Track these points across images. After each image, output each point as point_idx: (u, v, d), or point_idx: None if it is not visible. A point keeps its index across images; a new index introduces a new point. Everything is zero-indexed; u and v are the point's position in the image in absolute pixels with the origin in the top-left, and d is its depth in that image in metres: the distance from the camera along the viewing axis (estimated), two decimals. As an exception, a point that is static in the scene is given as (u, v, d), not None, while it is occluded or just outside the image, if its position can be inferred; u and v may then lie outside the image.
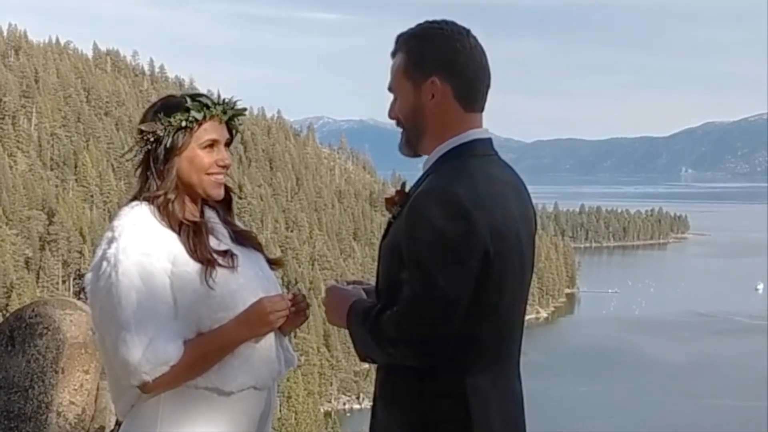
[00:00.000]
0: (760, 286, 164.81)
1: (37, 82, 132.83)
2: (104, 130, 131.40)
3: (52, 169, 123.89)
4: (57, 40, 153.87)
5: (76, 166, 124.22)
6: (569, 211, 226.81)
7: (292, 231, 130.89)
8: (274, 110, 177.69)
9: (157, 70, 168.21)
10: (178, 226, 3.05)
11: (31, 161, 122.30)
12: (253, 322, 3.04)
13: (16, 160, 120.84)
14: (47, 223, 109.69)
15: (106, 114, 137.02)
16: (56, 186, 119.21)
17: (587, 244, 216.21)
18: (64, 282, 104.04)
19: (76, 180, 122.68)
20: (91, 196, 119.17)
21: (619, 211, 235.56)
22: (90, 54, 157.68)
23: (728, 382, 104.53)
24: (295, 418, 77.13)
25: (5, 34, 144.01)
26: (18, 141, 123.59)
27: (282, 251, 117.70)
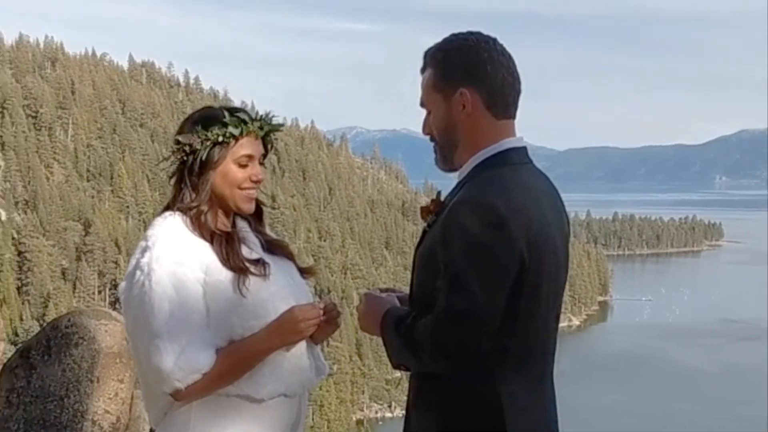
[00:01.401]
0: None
1: (73, 93, 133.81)
2: (139, 142, 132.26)
3: (88, 180, 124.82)
4: (93, 51, 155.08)
5: (111, 177, 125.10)
6: (602, 218, 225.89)
7: (324, 240, 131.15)
8: (308, 120, 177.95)
9: (192, 81, 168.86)
10: (210, 236, 3.07)
11: (67, 172, 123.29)
12: (284, 331, 3.05)
13: (52, 172, 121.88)
14: (83, 233, 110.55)
15: (141, 125, 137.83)
16: (92, 197, 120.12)
17: (620, 252, 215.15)
18: (99, 292, 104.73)
19: (111, 191, 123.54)
20: (127, 206, 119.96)
21: (653, 218, 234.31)
22: (125, 65, 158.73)
23: (761, 390, 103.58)
24: (328, 426, 77.26)
25: (42, 46, 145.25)
26: (54, 152, 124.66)
27: (314, 260, 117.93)
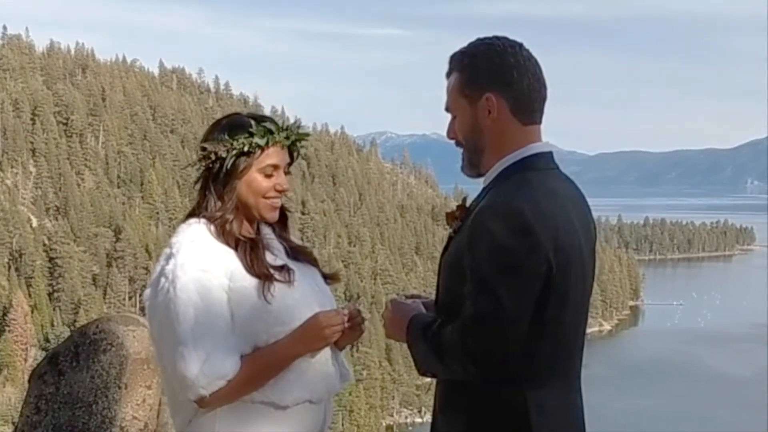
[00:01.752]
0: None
1: (104, 100, 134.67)
2: (170, 148, 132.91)
3: (118, 187, 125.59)
4: (123, 58, 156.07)
5: (142, 184, 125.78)
6: (633, 223, 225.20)
7: (354, 246, 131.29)
8: (338, 126, 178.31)
9: (222, 87, 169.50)
10: (235, 242, 3.07)
11: (98, 179, 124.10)
12: (309, 337, 3.05)
13: (83, 178, 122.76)
14: (114, 240, 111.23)
15: (171, 131, 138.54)
16: (123, 203, 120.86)
17: (651, 257, 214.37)
18: (130, 298, 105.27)
19: (142, 197, 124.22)
20: (157, 213, 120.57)
21: (684, 223, 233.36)
22: (156, 72, 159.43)
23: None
24: (358, 432, 77.18)
25: (73, 52, 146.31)
26: (85, 159, 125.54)
27: (344, 266, 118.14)
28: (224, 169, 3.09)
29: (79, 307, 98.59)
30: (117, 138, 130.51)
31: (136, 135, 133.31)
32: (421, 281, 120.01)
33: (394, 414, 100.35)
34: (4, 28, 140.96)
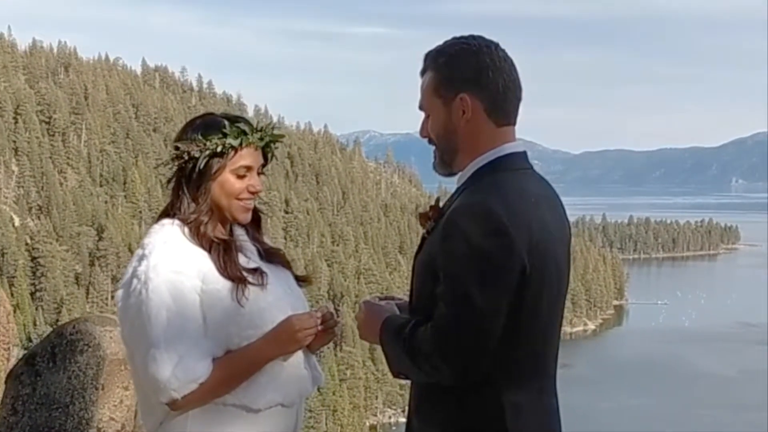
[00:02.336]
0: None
1: (86, 98, 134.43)
2: (153, 146, 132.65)
3: (101, 186, 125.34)
4: (106, 56, 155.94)
5: (125, 182, 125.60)
6: (618, 222, 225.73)
7: (338, 245, 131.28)
8: (321, 125, 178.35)
9: (205, 86, 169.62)
10: (208, 244, 3.05)
11: (80, 177, 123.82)
12: (281, 340, 3.03)
13: (66, 177, 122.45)
14: (97, 239, 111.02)
15: (154, 130, 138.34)
16: (105, 202, 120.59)
17: (636, 256, 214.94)
18: (113, 297, 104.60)
19: (125, 196, 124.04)
20: (140, 212, 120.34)
21: (669, 222, 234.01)
22: (139, 70, 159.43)
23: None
24: (342, 432, 77.18)
25: (55, 51, 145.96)
26: (68, 157, 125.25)
27: (328, 265, 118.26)
28: (197, 170, 3.07)
29: (62, 306, 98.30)
30: (100, 137, 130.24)
31: (118, 134, 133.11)
32: (404, 281, 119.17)
33: (378, 414, 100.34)
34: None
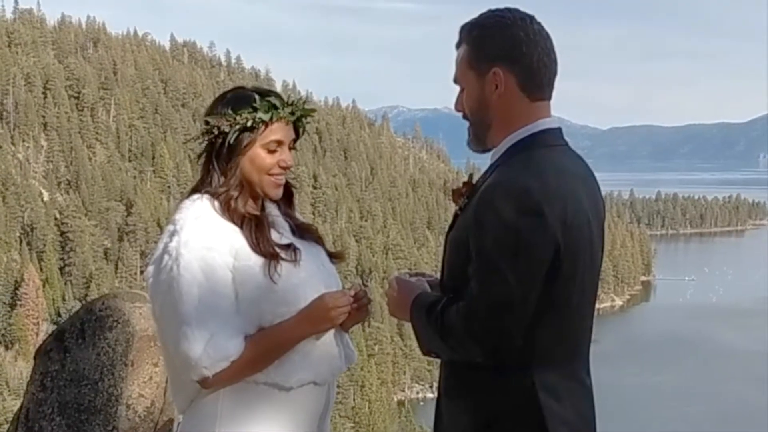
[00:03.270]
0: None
1: (115, 74, 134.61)
2: (181, 122, 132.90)
3: (130, 161, 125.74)
4: (135, 32, 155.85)
5: (153, 158, 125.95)
6: (645, 198, 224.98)
7: (366, 220, 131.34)
8: (349, 100, 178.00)
9: (233, 61, 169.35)
10: (240, 220, 3.01)
11: (109, 153, 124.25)
12: (314, 318, 3.00)
13: (95, 152, 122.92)
14: (125, 214, 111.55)
15: (183, 105, 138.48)
16: (134, 177, 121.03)
17: (663, 232, 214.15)
18: (141, 272, 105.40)
19: (153, 171, 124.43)
20: (169, 187, 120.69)
21: (696, 197, 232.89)
22: (167, 45, 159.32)
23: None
24: (369, 407, 77.49)
25: (84, 26, 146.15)
26: (97, 133, 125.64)
27: (356, 240, 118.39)
28: (227, 145, 3.03)
29: (91, 281, 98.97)
30: (128, 112, 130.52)
31: (147, 109, 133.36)
32: (432, 256, 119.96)
33: (406, 389, 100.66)
34: (16, 2, 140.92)
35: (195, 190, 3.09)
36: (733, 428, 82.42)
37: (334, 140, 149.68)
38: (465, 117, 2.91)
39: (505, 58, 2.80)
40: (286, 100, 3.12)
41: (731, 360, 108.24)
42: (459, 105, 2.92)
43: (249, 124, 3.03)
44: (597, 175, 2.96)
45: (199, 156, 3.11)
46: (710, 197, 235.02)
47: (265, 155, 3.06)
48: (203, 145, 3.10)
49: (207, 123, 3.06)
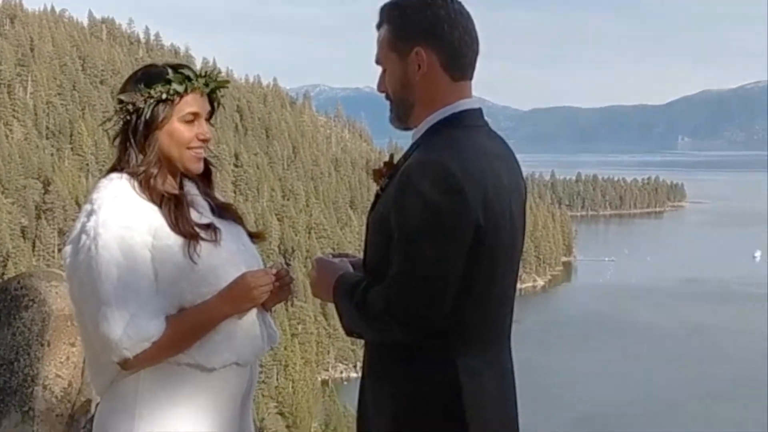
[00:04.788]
0: (758, 254, 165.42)
1: (32, 50, 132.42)
2: (100, 99, 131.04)
3: (47, 138, 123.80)
4: (52, 8, 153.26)
5: (71, 135, 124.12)
6: (566, 179, 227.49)
7: (288, 200, 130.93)
8: (270, 78, 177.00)
9: (152, 38, 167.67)
10: (159, 199, 2.97)
11: (26, 130, 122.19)
12: (236, 298, 2.97)
13: (12, 129, 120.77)
14: (43, 192, 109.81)
15: (101, 83, 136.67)
16: (52, 155, 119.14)
17: (584, 213, 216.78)
18: (59, 251, 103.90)
19: (71, 149, 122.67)
20: (87, 164, 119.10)
21: (616, 179, 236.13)
22: (85, 22, 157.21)
23: (723, 348, 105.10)
24: (292, 387, 77.45)
25: (0, 2, 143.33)
26: (14, 110, 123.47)
27: (278, 220, 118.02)
28: (143, 120, 2.99)
29: (8, 259, 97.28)
30: (46, 89, 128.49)
31: (65, 86, 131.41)
32: (356, 236, 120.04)
33: (330, 369, 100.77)
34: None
35: (113, 169, 3.04)
36: (652, 406, 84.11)
37: (255, 119, 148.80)
38: (388, 98, 2.90)
39: (427, 37, 2.78)
40: (198, 72, 3.09)
41: (651, 339, 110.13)
42: (382, 86, 2.90)
43: (164, 97, 2.99)
44: (518, 156, 2.97)
45: (116, 137, 3.06)
46: (629, 179, 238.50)
47: (183, 128, 3.03)
48: (119, 125, 3.05)
49: (120, 101, 3.02)
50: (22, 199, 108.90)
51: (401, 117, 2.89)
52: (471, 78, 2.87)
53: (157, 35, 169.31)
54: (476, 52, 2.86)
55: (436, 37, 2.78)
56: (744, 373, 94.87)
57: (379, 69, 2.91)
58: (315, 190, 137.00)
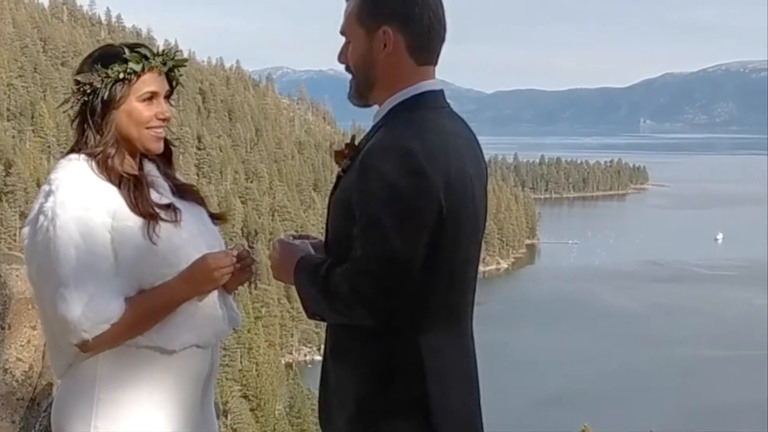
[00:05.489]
0: (719, 237, 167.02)
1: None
2: (61, 81, 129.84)
3: (8, 120, 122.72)
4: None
5: (33, 117, 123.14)
6: (529, 162, 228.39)
7: (251, 182, 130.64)
8: (233, 60, 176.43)
9: (114, 19, 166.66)
10: (117, 179, 2.94)
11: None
12: (197, 279, 2.95)
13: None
14: (4, 174, 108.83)
15: (62, 64, 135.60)
16: (13, 137, 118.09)
17: (547, 195, 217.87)
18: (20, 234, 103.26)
19: (33, 131, 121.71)
20: (49, 146, 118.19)
21: (579, 162, 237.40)
22: (46, 3, 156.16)
23: (685, 328, 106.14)
24: (256, 370, 77.38)
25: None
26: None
27: (242, 202, 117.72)
28: (100, 100, 2.96)
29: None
30: (6, 71, 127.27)
31: (26, 68, 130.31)
32: (319, 218, 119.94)
33: (294, 351, 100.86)
34: None
35: (72, 150, 3.02)
36: (615, 384, 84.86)
37: (218, 101, 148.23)
38: (348, 69, 2.88)
39: (397, 18, 2.77)
40: (156, 51, 3.07)
41: (613, 320, 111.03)
42: (342, 57, 2.88)
43: (121, 76, 2.96)
44: (481, 138, 2.97)
45: (74, 119, 3.03)
46: (592, 161, 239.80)
47: (142, 108, 3.00)
48: (77, 106, 3.02)
49: (77, 82, 2.99)
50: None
51: (362, 93, 2.87)
52: (435, 64, 2.87)
53: (118, 17, 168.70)
54: (443, 38, 2.85)
55: (406, 20, 2.77)
56: (704, 351, 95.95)
57: (342, 39, 2.89)
58: (278, 173, 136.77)
